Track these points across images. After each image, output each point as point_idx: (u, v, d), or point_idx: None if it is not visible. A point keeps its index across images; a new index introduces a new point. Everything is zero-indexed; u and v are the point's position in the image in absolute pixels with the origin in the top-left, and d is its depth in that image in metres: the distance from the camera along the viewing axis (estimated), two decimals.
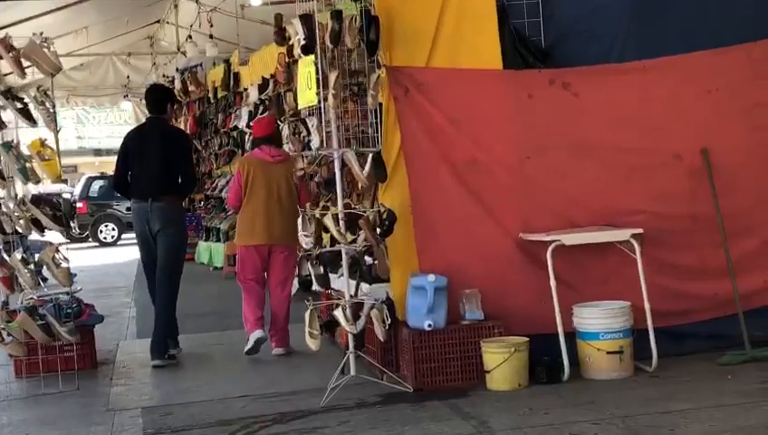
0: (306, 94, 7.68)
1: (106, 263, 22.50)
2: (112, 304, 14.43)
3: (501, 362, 7.49)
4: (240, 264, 9.70)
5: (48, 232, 8.92)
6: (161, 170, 9.26)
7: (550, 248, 7.73)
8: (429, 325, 7.60)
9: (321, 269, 7.71)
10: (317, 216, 7.62)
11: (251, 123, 15.61)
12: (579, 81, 8.24)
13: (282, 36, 11.89)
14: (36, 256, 8.78)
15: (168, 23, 19.27)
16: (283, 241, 9.30)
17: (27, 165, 8.58)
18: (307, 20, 7.56)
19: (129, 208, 11.17)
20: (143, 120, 22.19)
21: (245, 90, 17.00)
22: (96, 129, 46.91)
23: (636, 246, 7.84)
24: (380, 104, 7.97)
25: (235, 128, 17.27)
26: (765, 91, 8.43)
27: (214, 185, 19.46)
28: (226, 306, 13.14)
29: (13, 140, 8.66)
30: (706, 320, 8.33)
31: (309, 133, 7.77)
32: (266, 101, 15.12)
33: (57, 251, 8.66)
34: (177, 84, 19.68)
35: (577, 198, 8.26)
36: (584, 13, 8.35)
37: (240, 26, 16.32)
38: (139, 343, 11.09)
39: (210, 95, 19.79)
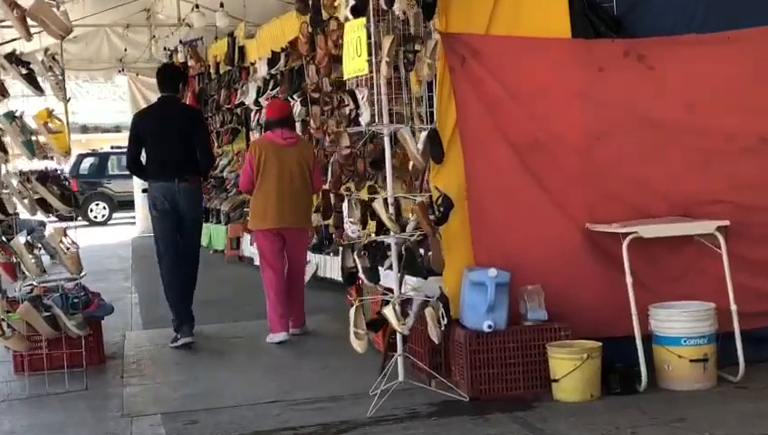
0: (354, 62, 6.71)
1: (98, 243, 21.42)
2: (111, 288, 13.39)
3: (571, 369, 6.56)
4: (259, 251, 9.62)
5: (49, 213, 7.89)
6: (184, 150, 9.12)
7: (626, 241, 6.81)
8: (489, 326, 6.67)
9: (369, 261, 6.71)
10: (365, 199, 6.63)
11: (259, 99, 14.74)
12: (655, 53, 7.29)
13: (305, 3, 10.91)
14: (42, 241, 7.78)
15: None
16: (295, 224, 9.24)
17: (33, 138, 7.58)
18: None
19: (145, 190, 10.68)
20: (139, 97, 21.83)
21: (252, 64, 16.05)
22: (88, 104, 45.79)
23: (721, 239, 6.92)
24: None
25: (241, 104, 16.28)
26: None
27: (215, 164, 18.42)
28: (236, 293, 12.30)
29: (17, 110, 7.65)
30: None
31: (357, 106, 6.78)
32: (277, 76, 14.10)
33: (65, 235, 7.67)
34: (181, 57, 18.68)
35: (650, 186, 7.33)
36: None
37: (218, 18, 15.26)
38: (146, 334, 10.18)
39: (212, 71, 18.82)
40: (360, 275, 6.81)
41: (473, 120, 7.08)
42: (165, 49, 19.33)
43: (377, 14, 6.66)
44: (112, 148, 30.89)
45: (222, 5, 14.19)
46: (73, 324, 7.69)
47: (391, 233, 6.69)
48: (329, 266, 12.23)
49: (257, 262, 10.79)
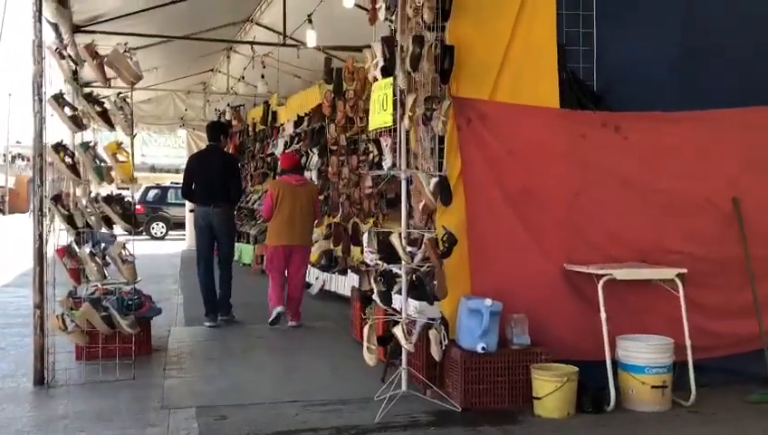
0: (380, 116, 5.52)
1: (156, 253, 20.10)
2: (162, 289, 12.10)
3: (553, 390, 5.37)
4: (269, 258, 9.25)
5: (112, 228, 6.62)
6: (220, 184, 9.05)
7: (601, 282, 5.65)
8: (483, 348, 5.48)
9: (384, 287, 5.47)
10: (379, 233, 5.41)
11: (285, 150, 13.58)
12: (629, 124, 6.18)
13: (330, 76, 9.74)
14: (105, 251, 6.50)
15: (219, 72, 17.19)
16: (301, 242, 9.08)
17: (102, 165, 6.34)
18: (388, 42, 5.42)
19: (191, 210, 10.69)
20: (193, 145, 20.66)
21: (282, 125, 14.98)
22: (156, 150, 44.43)
23: (679, 284, 5.78)
24: None
25: (272, 154, 15.10)
26: None
27: (247, 199, 17.28)
28: (262, 298, 10.88)
29: (91, 141, 6.41)
30: (728, 356, 6.20)
31: (381, 153, 5.56)
32: (301, 134, 12.96)
33: (124, 247, 6.40)
34: (228, 116, 17.52)
35: (618, 234, 6.18)
36: (632, 63, 6.23)
37: (279, 76, 14.18)
38: (187, 331, 8.85)
39: (250, 128, 17.69)
40: (375, 297, 5.56)
41: (475, 171, 5.92)
42: (216, 110, 18.17)
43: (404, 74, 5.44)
44: (171, 183, 29.99)
45: (263, 76, 13.00)
46: (126, 324, 6.43)
47: (403, 263, 5.47)
48: (334, 283, 11.04)
49: None
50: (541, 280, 5.99)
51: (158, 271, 15.42)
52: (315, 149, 12.26)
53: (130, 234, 6.65)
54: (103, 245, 6.59)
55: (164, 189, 28.31)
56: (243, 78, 14.17)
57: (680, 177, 6.21)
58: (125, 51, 6.33)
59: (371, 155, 5.62)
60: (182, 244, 21.68)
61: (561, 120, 6.06)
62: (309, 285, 11.95)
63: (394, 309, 5.59)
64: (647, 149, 6.17)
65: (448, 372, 5.77)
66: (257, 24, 12.43)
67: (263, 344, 8.11)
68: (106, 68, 6.43)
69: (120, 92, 6.45)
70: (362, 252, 9.67)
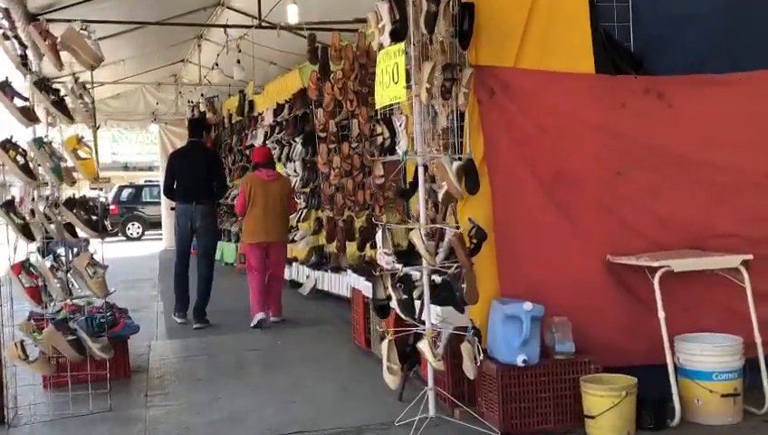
0: (390, 90, 4.58)
1: (133, 255, 19.06)
2: (140, 296, 11.17)
3: (609, 406, 4.50)
4: (247, 257, 9.03)
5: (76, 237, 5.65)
6: (201, 181, 8.82)
7: (658, 275, 4.78)
8: (525, 361, 4.57)
9: (405, 294, 4.53)
10: (393, 229, 4.51)
11: (266, 142, 12.60)
12: (673, 91, 5.29)
13: (314, 54, 8.78)
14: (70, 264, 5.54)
15: (190, 62, 16.15)
16: (277, 238, 8.79)
17: (62, 164, 5.37)
18: (398, 1, 4.46)
19: (172, 208, 9.73)
20: (166, 141, 19.62)
21: (260, 114, 13.94)
22: (127, 147, 42.97)
23: (744, 273, 4.92)
24: None
25: (251, 146, 14.05)
26: None
27: (226, 195, 16.25)
28: (249, 302, 9.96)
29: (46, 136, 5.42)
30: None
31: (393, 135, 4.63)
32: (282, 123, 11.97)
33: (92, 259, 5.43)
34: (203, 108, 16.45)
35: (666, 219, 5.29)
36: (675, 20, 5.34)
37: (254, 63, 13.18)
38: (170, 344, 7.90)
39: (226, 120, 16.64)
40: (394, 307, 4.63)
41: (500, 153, 5.02)
42: (189, 102, 17.07)
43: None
44: (145, 181, 28.82)
45: (239, 62, 11.98)
46: (98, 347, 5.47)
47: (425, 264, 4.56)
48: (327, 282, 10.13)
49: None
50: (581, 275, 5.11)
51: (134, 275, 14.44)
52: (299, 138, 11.33)
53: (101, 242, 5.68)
54: (75, 250, 5.65)
55: (138, 188, 27.17)
56: (217, 65, 13.11)
57: (734, 149, 5.34)
58: (82, 28, 5.35)
59: (380, 138, 4.68)
60: (160, 244, 20.63)
61: (597, 88, 5.17)
62: (299, 285, 11.07)
63: (417, 319, 4.66)
64: (694, 119, 5.29)
65: (481, 390, 4.88)
66: (228, 7, 11.45)
67: (256, 358, 7.18)
68: (61, 50, 5.44)
69: (78, 77, 5.47)
70: (360, 248, 8.76)
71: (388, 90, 4.60)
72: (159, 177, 19.19)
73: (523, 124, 5.05)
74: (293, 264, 11.60)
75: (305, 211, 11.62)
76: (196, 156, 8.97)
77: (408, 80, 4.44)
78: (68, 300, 5.68)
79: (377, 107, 4.89)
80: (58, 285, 5.30)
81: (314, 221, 11.48)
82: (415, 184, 4.86)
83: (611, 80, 5.19)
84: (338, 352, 7.15)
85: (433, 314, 4.90)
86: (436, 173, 4.51)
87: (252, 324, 8.49)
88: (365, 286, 6.75)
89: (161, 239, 20.79)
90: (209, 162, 9.09)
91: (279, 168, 12.75)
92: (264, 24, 10.26)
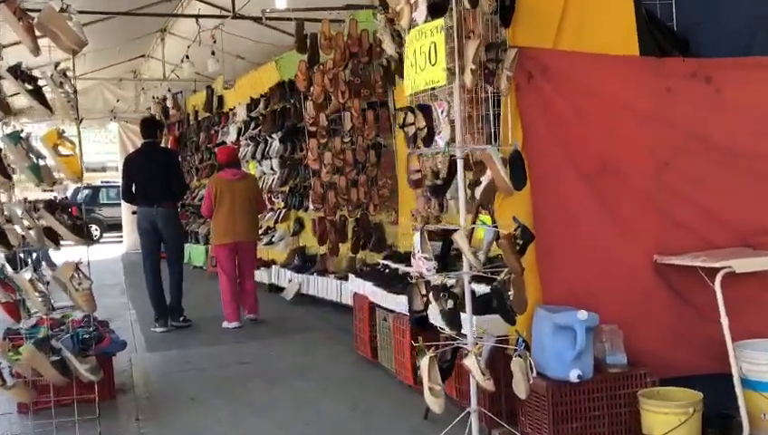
0: (426, 73, 4.02)
1: (93, 259, 18.07)
2: (110, 305, 10.40)
3: (675, 425, 4.02)
4: (217, 259, 8.99)
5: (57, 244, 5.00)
6: (161, 183, 8.54)
7: (719, 276, 4.26)
8: (579, 377, 4.06)
9: (451, 303, 3.98)
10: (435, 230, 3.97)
11: (240, 138, 11.97)
12: (722, 74, 4.79)
13: (303, 43, 8.18)
14: (48, 273, 4.90)
15: (152, 57, 15.42)
16: (245, 238, 8.71)
17: (41, 162, 4.72)
18: None
19: (134, 212, 9.39)
20: (126, 140, 18.81)
21: (231, 110, 13.22)
22: (85, 147, 41.51)
23: None
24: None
25: (222, 143, 13.33)
26: None
27: (194, 195, 15.54)
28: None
29: (22, 130, 4.76)
30: None
31: (430, 124, 4.06)
32: (259, 118, 11.34)
33: (77, 269, 4.79)
34: (169, 103, 15.69)
35: (715, 214, 4.80)
36: None
37: (223, 58, 12.51)
38: (152, 359, 7.26)
39: (191, 117, 15.87)
40: (434, 319, 4.06)
41: (539, 141, 4.50)
42: (154, 98, 16.32)
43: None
44: (102, 182, 27.77)
45: (213, 53, 11.31)
46: (86, 369, 4.84)
47: (466, 269, 4.03)
48: (312, 285, 9.55)
49: None
50: (627, 278, 4.62)
51: (98, 280, 13.34)
52: (276, 135, 10.73)
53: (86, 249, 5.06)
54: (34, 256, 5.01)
55: (95, 189, 26.17)
56: (187, 57, 12.38)
57: None
58: (63, 8, 4.70)
59: (413, 128, 4.12)
60: (120, 247, 19.78)
61: (642, 71, 4.66)
62: (280, 289, 10.47)
63: (459, 333, 4.10)
64: (743, 105, 4.80)
65: (525, 408, 4.36)
66: None
67: (249, 372, 6.56)
68: (37, 33, 4.78)
69: (58, 63, 4.82)
70: (354, 251, 8.19)
71: (424, 73, 4.05)
72: (117, 177, 18.46)
73: (563, 111, 4.53)
74: (273, 266, 11.01)
75: (284, 211, 11.04)
76: (154, 157, 8.77)
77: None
78: (43, 314, 5.03)
79: (407, 93, 4.33)
80: (40, 300, 4.65)
81: (294, 222, 10.91)
82: (449, 179, 4.31)
83: (657, 62, 4.69)
84: (337, 363, 6.60)
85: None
86: (480, 166, 3.97)
87: (223, 326, 8.54)
88: (371, 292, 6.19)
89: (121, 242, 19.96)
90: (166, 162, 8.88)
91: (252, 166, 12.22)
92: (237, 15, 9.69)
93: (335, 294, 8.94)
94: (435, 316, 3.99)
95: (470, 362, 3.90)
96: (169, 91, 15.52)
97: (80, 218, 4.91)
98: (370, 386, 5.79)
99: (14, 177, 4.83)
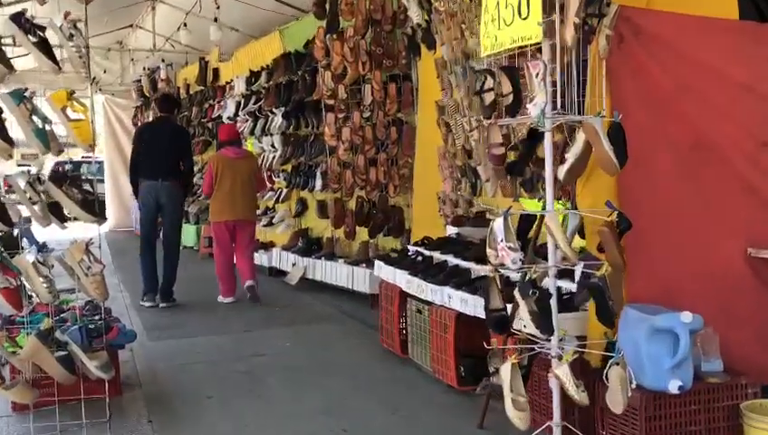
0: (515, 28, 3.41)
1: (76, 237, 17.32)
2: None
3: None
4: (214, 236, 8.84)
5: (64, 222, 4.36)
6: (168, 157, 8.38)
7: None
8: (681, 387, 3.48)
9: (541, 305, 3.37)
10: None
11: (239, 112, 11.26)
12: None
13: (322, 8, 7.53)
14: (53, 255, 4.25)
15: (140, 27, 14.62)
16: (244, 217, 8.59)
17: (47, 126, 4.05)
18: None
19: (136, 184, 8.76)
20: (110, 114, 18.00)
21: (228, 83, 12.50)
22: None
23: None
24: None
25: (218, 117, 12.61)
26: None
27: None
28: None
29: (26, 89, 4.09)
30: None
31: (515, 89, 3.45)
32: (260, 92, 10.66)
33: (87, 251, 4.15)
34: (163, 75, 14.90)
35: None
36: None
37: (212, 31, 11.77)
38: (154, 349, 6.59)
39: (182, 91, 15.09)
40: (524, 322, 3.44)
41: (629, 115, 3.85)
42: (145, 68, 15.50)
43: None
44: (83, 157, 26.79)
45: (216, 20, 10.55)
46: (96, 366, 4.19)
47: (552, 262, 3.43)
48: (319, 270, 8.92)
49: None
50: (721, 273, 4.06)
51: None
52: (279, 110, 10.05)
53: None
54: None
55: (77, 164, 25.24)
56: (185, 25, 11.61)
57: None
58: None
59: (492, 94, 3.50)
60: (104, 225, 18.97)
61: (742, 37, 4.10)
62: (283, 273, 9.85)
63: (542, 338, 3.49)
64: None
65: (609, 421, 3.78)
66: None
67: (267, 366, 5.91)
68: None
69: (69, 13, 4.16)
70: (371, 235, 7.56)
71: (510, 28, 3.43)
72: (101, 152, 17.72)
73: (658, 80, 3.95)
74: (273, 249, 10.37)
75: (285, 191, 10.40)
76: (166, 131, 8.58)
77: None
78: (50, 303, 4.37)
79: (484, 53, 3.70)
80: (44, 287, 3.99)
81: (297, 202, 10.26)
82: (525, 156, 3.71)
83: (757, 27, 4.14)
84: (363, 358, 6.01)
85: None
86: (577, 139, 3.37)
87: (218, 300, 8.53)
88: (406, 281, 5.58)
89: (105, 219, 19.21)
90: (178, 139, 8.68)
91: (251, 143, 11.54)
92: None
93: (345, 280, 8.34)
94: (522, 317, 3.38)
95: (561, 373, 3.31)
96: (163, 61, 14.70)
97: (91, 193, 4.25)
98: (405, 386, 5.21)
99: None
